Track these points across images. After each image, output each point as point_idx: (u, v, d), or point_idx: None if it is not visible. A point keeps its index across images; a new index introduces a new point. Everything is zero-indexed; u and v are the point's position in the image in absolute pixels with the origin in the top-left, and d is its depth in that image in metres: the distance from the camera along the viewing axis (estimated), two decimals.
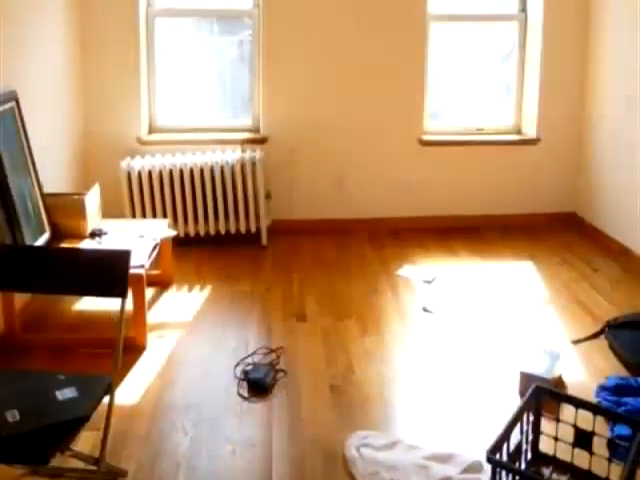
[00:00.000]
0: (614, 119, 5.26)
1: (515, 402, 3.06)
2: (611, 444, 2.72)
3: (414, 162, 5.65)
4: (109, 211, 4.67)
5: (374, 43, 5.40)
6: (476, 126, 5.85)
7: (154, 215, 5.09)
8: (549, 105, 5.64)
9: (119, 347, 2.50)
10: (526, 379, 3.23)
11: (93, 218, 4.22)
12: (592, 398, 3.14)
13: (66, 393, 2.36)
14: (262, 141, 5.40)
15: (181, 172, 5.06)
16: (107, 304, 3.57)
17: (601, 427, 2.65)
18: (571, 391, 3.22)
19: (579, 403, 2.64)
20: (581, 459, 2.60)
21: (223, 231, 5.25)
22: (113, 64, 5.22)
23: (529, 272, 4.84)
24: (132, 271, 2.74)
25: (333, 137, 5.50)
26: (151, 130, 5.50)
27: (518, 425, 2.58)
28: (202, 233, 5.21)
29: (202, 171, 5.07)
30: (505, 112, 5.93)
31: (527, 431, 2.66)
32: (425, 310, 4.21)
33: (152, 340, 3.79)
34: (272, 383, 3.36)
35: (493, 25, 5.95)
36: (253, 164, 5.13)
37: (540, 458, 2.74)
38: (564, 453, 2.65)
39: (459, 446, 2.86)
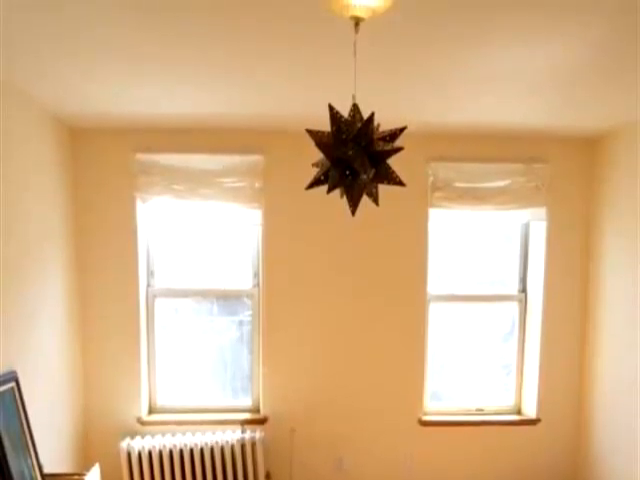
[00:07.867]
0: (613, 400, 5.60)
1: None
2: None
3: (414, 442, 5.96)
4: None
5: (374, 325, 5.84)
6: (476, 406, 6.22)
7: None
8: (549, 385, 6.03)
9: None
10: None
11: None
12: None
13: None
14: (262, 421, 5.76)
15: (181, 452, 5.41)
16: None
17: None
18: None
19: None
20: None
21: None
22: (113, 344, 5.64)
23: None
24: None
25: (333, 417, 5.87)
26: (151, 410, 5.89)
27: None
28: None
29: (202, 451, 5.42)
30: (505, 392, 6.29)
31: None
32: None
33: None
34: None
35: (493, 305, 6.21)
36: (253, 444, 5.50)
37: None
38: None
39: None
